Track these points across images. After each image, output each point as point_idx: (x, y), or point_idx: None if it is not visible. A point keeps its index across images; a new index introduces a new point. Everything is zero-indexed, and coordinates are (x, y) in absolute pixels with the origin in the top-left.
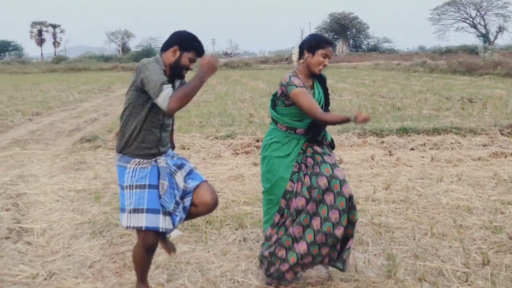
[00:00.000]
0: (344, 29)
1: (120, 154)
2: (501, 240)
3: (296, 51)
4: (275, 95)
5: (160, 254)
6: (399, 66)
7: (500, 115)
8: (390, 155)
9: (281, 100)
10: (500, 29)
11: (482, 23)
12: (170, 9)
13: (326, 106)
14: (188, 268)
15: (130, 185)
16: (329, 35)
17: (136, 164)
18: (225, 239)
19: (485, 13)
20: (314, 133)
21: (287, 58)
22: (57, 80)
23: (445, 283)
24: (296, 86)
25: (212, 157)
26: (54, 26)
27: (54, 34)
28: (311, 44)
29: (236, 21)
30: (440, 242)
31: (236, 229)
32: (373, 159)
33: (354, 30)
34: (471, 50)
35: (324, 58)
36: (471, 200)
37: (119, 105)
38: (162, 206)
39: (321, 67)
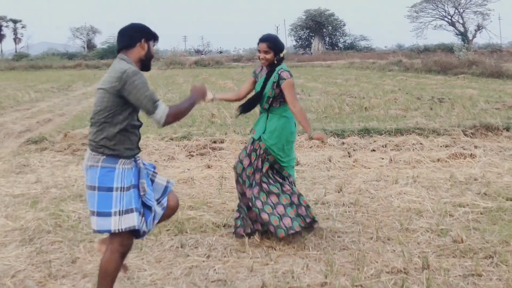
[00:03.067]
0: (320, 26)
1: (104, 156)
2: (445, 243)
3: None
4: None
5: (90, 262)
6: (374, 65)
7: (467, 115)
8: (349, 156)
9: None
10: (479, 28)
11: (461, 21)
12: (137, 5)
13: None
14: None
15: (122, 187)
16: (304, 32)
17: (122, 165)
18: (162, 246)
19: (463, 10)
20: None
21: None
22: (15, 78)
23: None
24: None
25: (164, 159)
26: (15, 21)
27: (14, 30)
28: None
29: (209, 18)
30: (384, 246)
31: (175, 235)
32: (330, 160)
33: (330, 28)
34: (449, 49)
35: (259, 52)
36: (423, 202)
37: (77, 105)
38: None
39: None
